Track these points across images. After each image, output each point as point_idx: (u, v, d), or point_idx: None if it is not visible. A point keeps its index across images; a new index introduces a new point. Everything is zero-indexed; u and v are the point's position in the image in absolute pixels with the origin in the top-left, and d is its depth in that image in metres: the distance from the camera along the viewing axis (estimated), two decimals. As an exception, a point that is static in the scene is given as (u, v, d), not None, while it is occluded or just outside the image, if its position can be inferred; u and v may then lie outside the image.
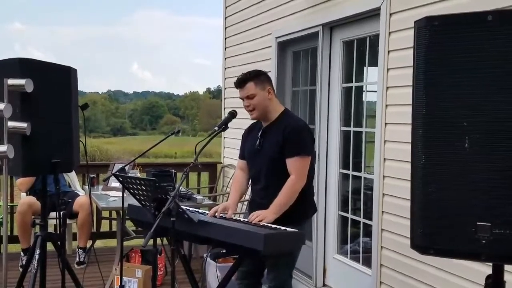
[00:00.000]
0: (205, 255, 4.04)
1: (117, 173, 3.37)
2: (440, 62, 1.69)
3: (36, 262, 3.09)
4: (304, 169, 3.21)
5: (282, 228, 2.93)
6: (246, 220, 3.13)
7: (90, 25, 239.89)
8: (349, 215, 4.48)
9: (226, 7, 6.80)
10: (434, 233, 1.72)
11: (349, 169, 4.47)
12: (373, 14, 3.92)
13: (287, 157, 3.19)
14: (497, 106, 1.62)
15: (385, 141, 3.75)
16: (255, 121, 3.47)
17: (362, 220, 4.30)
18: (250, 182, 3.51)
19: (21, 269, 3.44)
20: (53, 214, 4.03)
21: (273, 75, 5.31)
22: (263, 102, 3.28)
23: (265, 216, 3.06)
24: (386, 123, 3.73)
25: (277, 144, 3.22)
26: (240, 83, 3.30)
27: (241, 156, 3.54)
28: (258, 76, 3.31)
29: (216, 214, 3.20)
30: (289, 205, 3.15)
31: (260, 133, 3.35)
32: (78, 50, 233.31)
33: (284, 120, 3.31)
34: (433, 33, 1.70)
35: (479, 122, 1.64)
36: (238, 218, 3.22)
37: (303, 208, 3.28)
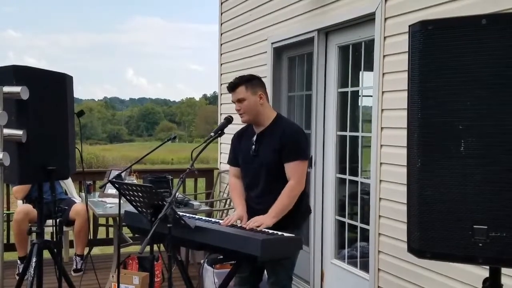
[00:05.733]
0: (202, 261, 4.03)
1: (114, 179, 3.37)
2: (435, 66, 1.70)
3: (32, 270, 3.08)
4: (303, 173, 3.22)
5: (279, 233, 2.93)
6: (243, 225, 3.12)
7: (85, 33, 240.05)
8: (346, 220, 4.48)
9: (221, 13, 6.81)
10: (430, 237, 1.72)
11: (345, 174, 4.47)
12: (368, 19, 3.93)
13: (285, 161, 3.19)
14: (492, 109, 1.62)
15: (381, 145, 3.75)
16: (244, 126, 3.47)
17: (359, 224, 4.30)
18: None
19: (17, 277, 3.42)
20: (49, 222, 4.02)
21: (269, 81, 5.32)
22: (254, 107, 3.28)
23: (263, 222, 3.06)
24: (382, 128, 3.74)
25: (274, 149, 3.22)
26: (232, 86, 3.32)
27: (234, 163, 3.52)
28: (249, 81, 3.32)
29: (227, 223, 3.17)
30: (288, 210, 3.16)
31: (255, 139, 3.35)
32: (73, 57, 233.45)
33: (279, 125, 3.31)
34: (427, 37, 1.71)
35: (474, 125, 1.64)
36: (235, 224, 3.21)
37: (301, 212, 3.29)
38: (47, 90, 2.99)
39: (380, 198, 3.76)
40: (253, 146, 3.34)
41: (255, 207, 3.30)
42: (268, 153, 3.26)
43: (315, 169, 4.64)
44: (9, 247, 5.68)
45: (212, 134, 3.22)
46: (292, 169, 3.19)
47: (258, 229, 3.00)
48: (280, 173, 3.21)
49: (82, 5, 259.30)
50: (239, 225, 3.16)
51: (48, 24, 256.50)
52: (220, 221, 3.22)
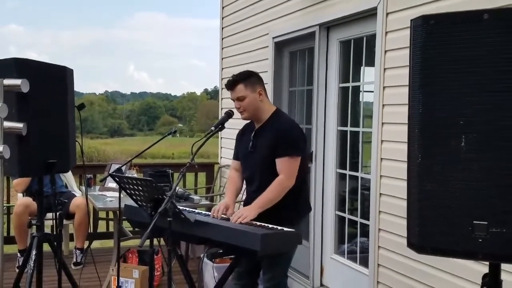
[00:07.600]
0: (202, 255, 4.04)
1: (114, 173, 3.37)
2: (437, 61, 1.69)
3: (32, 262, 3.08)
4: (293, 169, 3.20)
5: (279, 228, 2.93)
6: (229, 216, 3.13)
7: (86, 28, 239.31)
8: (346, 215, 4.48)
9: (223, 8, 6.79)
10: (430, 232, 1.72)
11: (346, 169, 4.47)
12: (370, 14, 3.92)
13: (277, 157, 3.19)
14: (493, 105, 1.61)
15: (382, 140, 3.75)
16: (248, 121, 3.47)
17: (359, 220, 4.30)
18: (244, 183, 3.51)
19: (17, 270, 3.42)
20: (49, 215, 4.03)
21: (269, 75, 5.31)
22: (254, 104, 3.28)
23: (247, 215, 3.05)
24: (383, 123, 3.73)
25: (269, 145, 3.22)
26: (231, 85, 3.30)
27: (235, 157, 3.55)
28: (248, 78, 3.30)
29: (217, 215, 3.18)
30: (274, 202, 3.13)
31: (252, 135, 3.35)
32: (74, 52, 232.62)
33: (275, 121, 3.30)
34: (429, 32, 1.70)
35: (475, 121, 1.64)
36: (224, 216, 3.21)
37: (298, 208, 3.28)
38: (48, 83, 2.98)
39: (380, 194, 3.76)
40: (251, 142, 3.34)
41: (252, 202, 3.31)
42: (263, 149, 3.26)
43: (316, 164, 4.63)
44: (9, 240, 5.69)
45: (212, 128, 3.21)
46: (282, 164, 3.18)
47: (243, 222, 2.99)
48: (275, 168, 3.20)
49: (82, 5, 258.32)
50: (225, 217, 3.16)
51: (50, 20, 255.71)
52: (224, 216, 3.22)
